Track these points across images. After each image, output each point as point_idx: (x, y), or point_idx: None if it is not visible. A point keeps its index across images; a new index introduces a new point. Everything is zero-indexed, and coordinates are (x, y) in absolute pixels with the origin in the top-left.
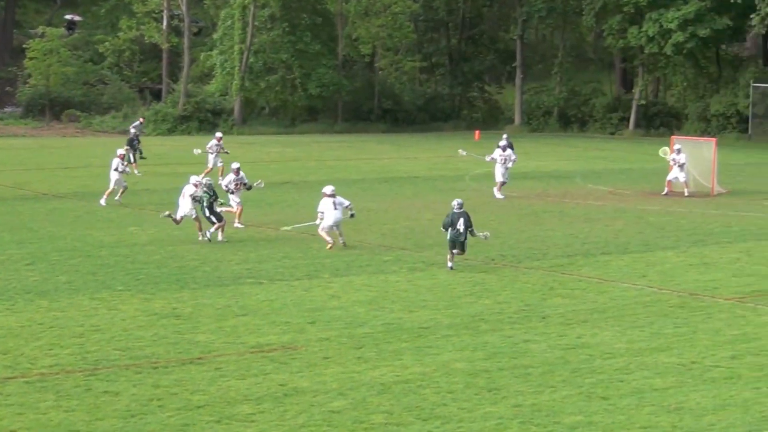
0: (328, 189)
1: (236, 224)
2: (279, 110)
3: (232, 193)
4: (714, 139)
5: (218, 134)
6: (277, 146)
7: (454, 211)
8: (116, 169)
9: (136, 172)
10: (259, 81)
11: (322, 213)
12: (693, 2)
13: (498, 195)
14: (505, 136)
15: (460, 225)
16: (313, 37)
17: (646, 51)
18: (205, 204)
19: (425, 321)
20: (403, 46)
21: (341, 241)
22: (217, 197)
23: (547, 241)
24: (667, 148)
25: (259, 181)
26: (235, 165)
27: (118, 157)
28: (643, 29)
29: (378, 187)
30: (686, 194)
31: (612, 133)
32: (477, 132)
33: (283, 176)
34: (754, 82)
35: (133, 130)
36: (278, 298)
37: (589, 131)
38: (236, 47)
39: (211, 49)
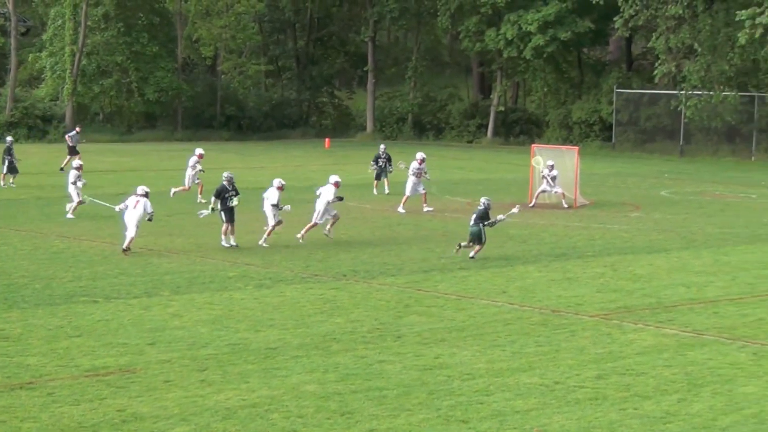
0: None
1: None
2: (114, 116)
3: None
4: (576, 147)
5: (199, 150)
6: (113, 155)
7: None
8: (74, 182)
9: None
10: (93, 85)
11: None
12: (553, 4)
13: (401, 209)
14: (382, 147)
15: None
16: (151, 38)
17: (505, 55)
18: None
19: (273, 341)
20: (247, 48)
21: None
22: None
23: (402, 256)
24: (540, 158)
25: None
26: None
27: (76, 169)
28: (502, 32)
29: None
30: (565, 206)
31: (470, 141)
32: (327, 140)
33: (120, 187)
34: (617, 88)
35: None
36: (115, 318)
37: (445, 139)
38: (67, 49)
39: (40, 51)
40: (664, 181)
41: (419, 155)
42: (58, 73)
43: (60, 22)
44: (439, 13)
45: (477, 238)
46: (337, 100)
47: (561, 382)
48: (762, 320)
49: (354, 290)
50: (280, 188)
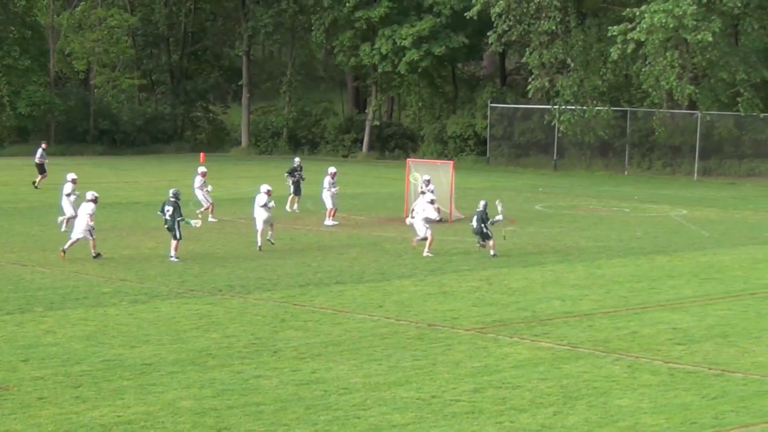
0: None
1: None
2: None
3: None
4: (451, 161)
5: (202, 169)
6: None
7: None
8: (68, 195)
9: None
10: None
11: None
12: (427, 19)
13: (329, 222)
14: (297, 160)
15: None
16: (22, 51)
17: (380, 69)
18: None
19: (148, 357)
20: (120, 62)
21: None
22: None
23: (278, 270)
24: (417, 174)
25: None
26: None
27: (71, 182)
28: (376, 46)
29: (96, 213)
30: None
31: (345, 156)
32: (202, 154)
33: None
34: (491, 102)
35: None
36: None
37: (320, 153)
38: None
39: None
40: (538, 195)
41: (331, 169)
42: None
43: None
44: (313, 28)
45: (484, 236)
46: (211, 115)
47: (438, 396)
48: (636, 333)
49: (230, 305)
50: (268, 193)
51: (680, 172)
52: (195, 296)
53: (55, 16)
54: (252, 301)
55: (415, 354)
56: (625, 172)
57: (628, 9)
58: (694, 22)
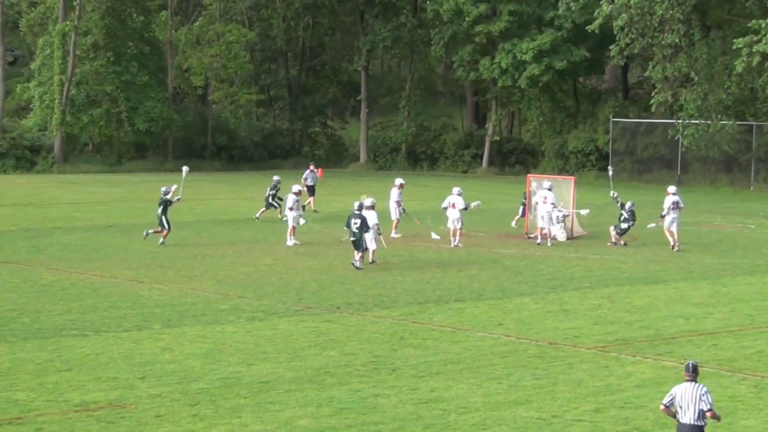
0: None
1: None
2: (104, 147)
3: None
4: (573, 177)
5: (400, 181)
6: (103, 185)
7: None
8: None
9: None
10: (82, 115)
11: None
12: (548, 33)
13: (395, 234)
14: (276, 178)
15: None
16: (141, 67)
17: (500, 84)
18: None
19: (266, 375)
20: (238, 77)
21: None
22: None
23: (397, 288)
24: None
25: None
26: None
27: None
28: (496, 61)
29: (214, 230)
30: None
31: (464, 172)
32: (320, 170)
33: (110, 219)
34: (613, 117)
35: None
36: (105, 352)
37: (440, 169)
38: (56, 78)
39: (28, 81)
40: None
41: (398, 181)
42: (46, 102)
43: (48, 51)
44: (432, 42)
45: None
46: (329, 130)
47: (559, 416)
48: (762, 352)
49: (348, 323)
50: (460, 194)
51: None
52: (313, 313)
53: (173, 32)
54: (370, 318)
55: (535, 373)
56: (751, 188)
57: (753, 21)
58: None
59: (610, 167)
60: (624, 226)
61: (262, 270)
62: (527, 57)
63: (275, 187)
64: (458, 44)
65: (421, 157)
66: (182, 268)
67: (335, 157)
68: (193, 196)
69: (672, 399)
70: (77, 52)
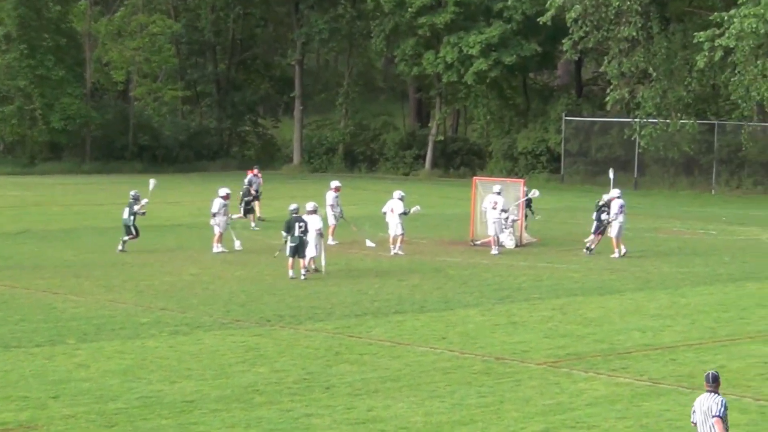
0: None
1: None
2: (16, 146)
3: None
4: (522, 179)
5: (336, 183)
6: (14, 189)
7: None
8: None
9: None
10: None
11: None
12: (497, 25)
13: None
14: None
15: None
16: (57, 61)
17: (444, 80)
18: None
19: (189, 393)
20: (162, 72)
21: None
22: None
23: (332, 299)
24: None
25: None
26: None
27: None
28: (441, 55)
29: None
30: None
31: (406, 174)
32: (250, 172)
33: (21, 224)
34: (566, 115)
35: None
36: (15, 369)
37: (379, 171)
38: None
39: None
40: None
41: (334, 183)
42: None
43: None
44: (373, 35)
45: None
46: (261, 129)
47: None
48: (723, 367)
49: (279, 337)
50: (401, 198)
51: None
52: (241, 327)
53: (92, 23)
54: (303, 332)
55: (480, 390)
56: (713, 191)
57: (715, 13)
58: None
59: (611, 170)
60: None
61: (187, 280)
62: (474, 51)
63: (247, 191)
64: (400, 37)
65: (359, 158)
66: (100, 278)
67: (267, 158)
68: (111, 200)
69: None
70: None
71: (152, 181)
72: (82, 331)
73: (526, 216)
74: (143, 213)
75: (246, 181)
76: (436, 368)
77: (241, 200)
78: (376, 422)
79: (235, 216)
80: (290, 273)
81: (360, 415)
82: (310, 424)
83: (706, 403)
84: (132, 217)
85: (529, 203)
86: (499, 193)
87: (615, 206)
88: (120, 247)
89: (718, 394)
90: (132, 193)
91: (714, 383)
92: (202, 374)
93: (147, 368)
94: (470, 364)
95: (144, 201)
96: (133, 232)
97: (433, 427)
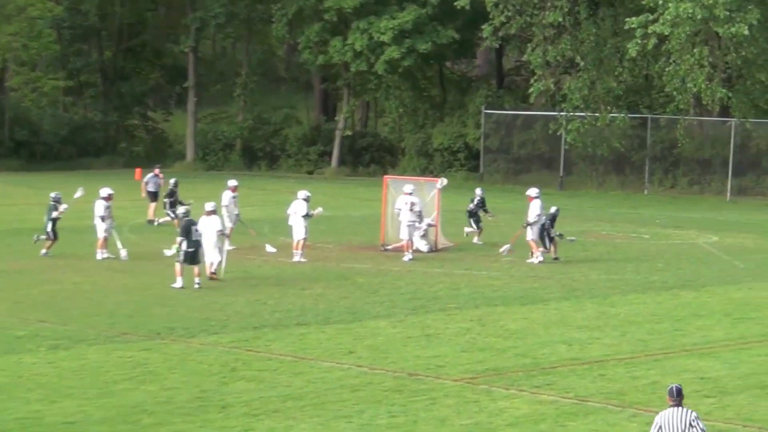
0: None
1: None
2: None
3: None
4: (437, 179)
5: (233, 183)
6: None
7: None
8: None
9: None
10: None
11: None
12: (411, 9)
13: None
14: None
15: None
16: None
17: (353, 69)
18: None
19: (71, 413)
20: (42, 60)
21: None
22: None
23: (228, 309)
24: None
25: None
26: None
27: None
28: (349, 42)
29: (9, 241)
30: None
31: (310, 172)
32: (138, 170)
33: None
34: (485, 108)
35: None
36: None
37: (281, 169)
38: None
39: None
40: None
41: (232, 182)
42: None
43: None
44: (274, 20)
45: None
46: (150, 123)
47: None
48: (656, 384)
49: (169, 352)
50: (306, 199)
51: (710, 191)
52: (128, 341)
53: None
54: (196, 346)
55: (392, 409)
56: (645, 191)
57: None
58: (728, 13)
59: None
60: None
61: (68, 289)
62: (386, 38)
63: (172, 192)
64: (304, 22)
65: (258, 155)
66: None
67: (157, 154)
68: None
69: (658, 430)
70: None
71: (81, 189)
72: None
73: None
74: (58, 218)
75: (144, 180)
76: (343, 385)
77: (166, 203)
78: None
79: (161, 220)
80: (179, 282)
81: None
82: None
83: (681, 419)
84: (50, 222)
85: (482, 203)
86: (410, 194)
87: (537, 207)
88: (43, 251)
89: (685, 408)
90: (53, 195)
91: (678, 397)
92: (84, 393)
93: (24, 386)
94: (381, 381)
95: (63, 206)
96: (52, 236)
97: None
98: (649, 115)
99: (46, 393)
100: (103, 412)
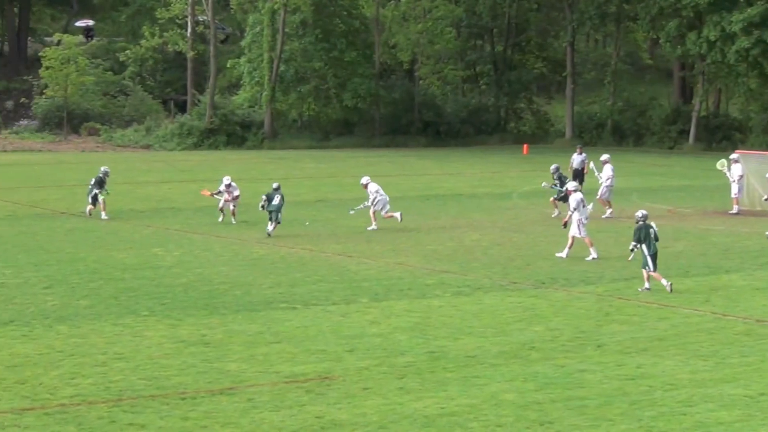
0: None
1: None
2: (312, 123)
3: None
4: None
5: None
6: (311, 161)
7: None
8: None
9: None
10: (291, 91)
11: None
12: (759, 4)
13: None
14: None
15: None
16: (348, 44)
17: (708, 59)
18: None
19: (472, 349)
20: (444, 53)
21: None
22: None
23: (602, 263)
24: (725, 161)
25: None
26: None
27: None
28: (704, 34)
29: (419, 206)
30: (734, 211)
31: (670, 148)
32: (525, 146)
33: (318, 194)
34: None
35: None
36: (313, 325)
37: (645, 145)
38: (266, 55)
39: (238, 57)
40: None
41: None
42: (256, 79)
43: (258, 29)
44: (639, 17)
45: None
46: (535, 106)
47: (766, 394)
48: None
49: (553, 298)
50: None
51: None
52: (518, 288)
53: (380, 8)
54: (576, 294)
55: (742, 350)
56: None
57: None
58: None
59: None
60: None
61: (468, 245)
62: (736, 29)
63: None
64: (665, 19)
65: (626, 133)
66: (389, 243)
67: (541, 133)
68: (398, 171)
69: None
70: (286, 30)
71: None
72: (373, 291)
73: None
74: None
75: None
76: (700, 329)
77: (92, 189)
78: (645, 378)
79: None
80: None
81: (630, 372)
82: (583, 379)
83: None
84: (95, 190)
85: None
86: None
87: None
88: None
89: None
90: (103, 169)
91: None
92: (482, 332)
93: (432, 325)
94: (732, 326)
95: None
96: (93, 203)
97: (697, 383)
98: None
99: (450, 331)
100: (498, 347)
